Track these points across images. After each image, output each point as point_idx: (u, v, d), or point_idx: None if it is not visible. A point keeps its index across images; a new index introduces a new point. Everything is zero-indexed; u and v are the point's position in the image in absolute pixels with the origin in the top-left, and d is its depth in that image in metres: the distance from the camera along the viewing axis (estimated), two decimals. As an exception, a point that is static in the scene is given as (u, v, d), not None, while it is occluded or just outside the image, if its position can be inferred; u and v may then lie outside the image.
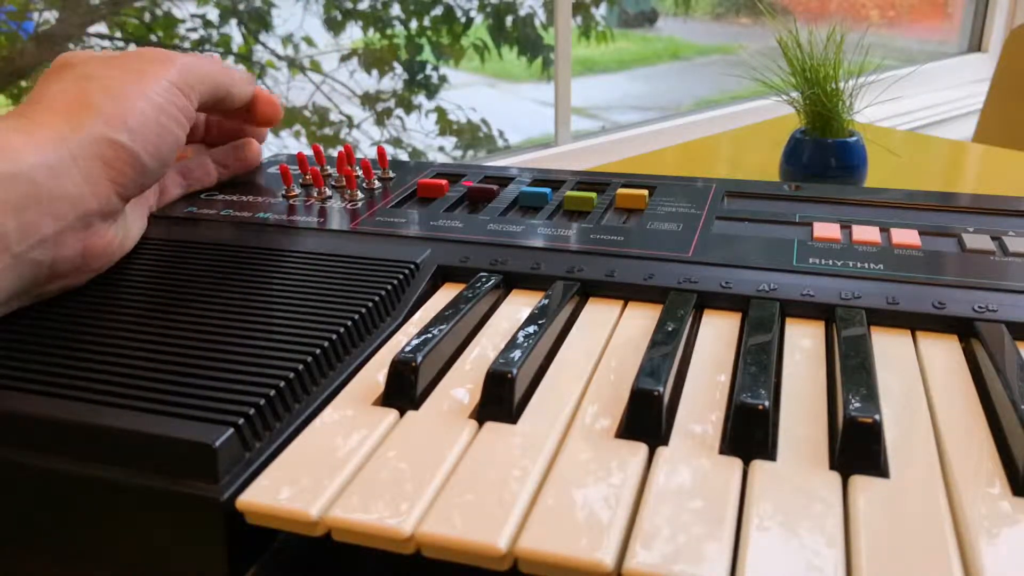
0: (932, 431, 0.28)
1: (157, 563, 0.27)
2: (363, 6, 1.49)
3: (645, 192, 0.46)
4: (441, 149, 1.59)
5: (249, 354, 0.31)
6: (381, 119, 1.53)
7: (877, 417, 0.26)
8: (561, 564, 0.22)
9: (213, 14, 1.35)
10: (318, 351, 0.32)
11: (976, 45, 2.40)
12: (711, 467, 0.26)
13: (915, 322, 0.34)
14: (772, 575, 0.22)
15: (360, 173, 0.51)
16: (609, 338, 0.35)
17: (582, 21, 1.69)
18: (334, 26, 1.47)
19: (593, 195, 0.46)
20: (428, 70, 1.57)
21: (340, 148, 0.51)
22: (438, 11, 1.54)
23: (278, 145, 1.41)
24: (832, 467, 0.26)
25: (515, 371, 0.29)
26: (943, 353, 0.33)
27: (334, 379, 0.31)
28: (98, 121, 0.36)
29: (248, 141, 0.53)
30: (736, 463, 0.26)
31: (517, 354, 0.31)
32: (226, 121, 0.53)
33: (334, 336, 0.33)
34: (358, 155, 0.55)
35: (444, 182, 0.49)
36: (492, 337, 0.35)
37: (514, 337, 0.32)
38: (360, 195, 0.48)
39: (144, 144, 0.37)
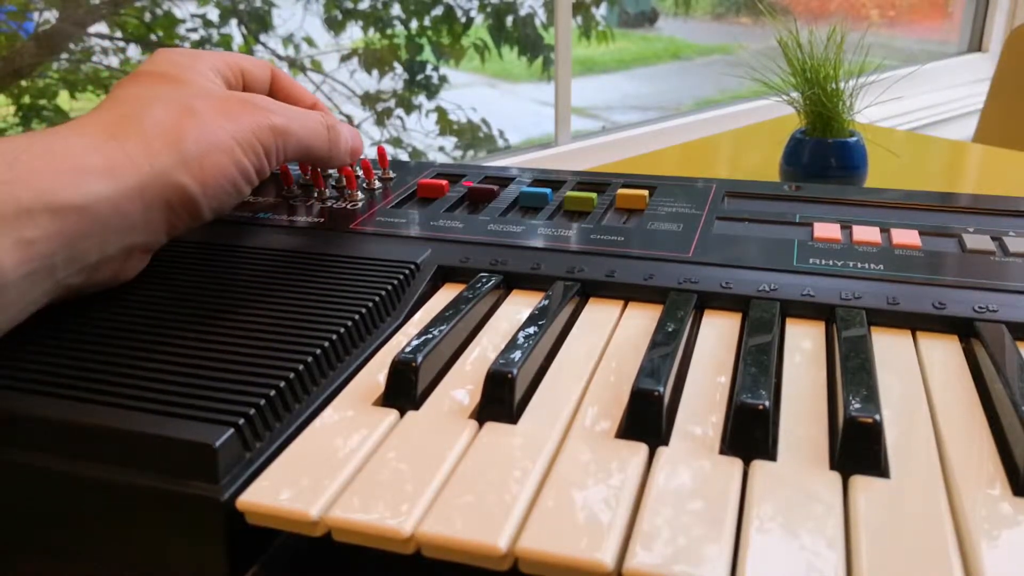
0: (932, 431, 0.28)
1: (157, 563, 0.27)
2: (363, 6, 1.49)
3: (645, 192, 0.46)
4: (441, 149, 1.59)
5: (249, 354, 0.31)
6: (381, 119, 1.53)
7: (877, 417, 0.26)
8: (561, 564, 0.22)
9: (213, 14, 1.35)
10: (318, 351, 0.32)
11: (976, 45, 2.40)
12: (711, 468, 0.26)
13: (915, 322, 0.34)
14: (772, 575, 0.22)
15: (360, 173, 0.51)
16: (609, 338, 0.35)
17: (582, 21, 1.69)
18: (334, 26, 1.47)
19: (593, 195, 0.46)
20: (428, 70, 1.57)
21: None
22: (438, 11, 1.54)
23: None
24: (832, 467, 0.26)
25: (515, 371, 0.29)
26: (943, 353, 0.33)
27: (334, 379, 0.31)
28: (177, 163, 0.35)
29: None
30: (736, 463, 0.26)
31: (517, 354, 0.31)
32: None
33: (334, 336, 0.33)
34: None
35: (444, 182, 0.49)
36: (492, 337, 0.35)
37: (514, 337, 0.32)
38: (360, 195, 0.48)
39: (210, 198, 0.36)
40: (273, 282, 0.37)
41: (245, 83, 0.45)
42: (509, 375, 0.29)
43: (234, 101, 0.38)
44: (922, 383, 0.31)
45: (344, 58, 1.49)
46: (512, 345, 0.31)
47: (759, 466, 0.26)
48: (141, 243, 0.35)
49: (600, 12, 1.73)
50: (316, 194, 0.48)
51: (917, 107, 2.12)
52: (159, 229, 0.36)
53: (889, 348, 0.33)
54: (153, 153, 0.34)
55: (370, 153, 0.52)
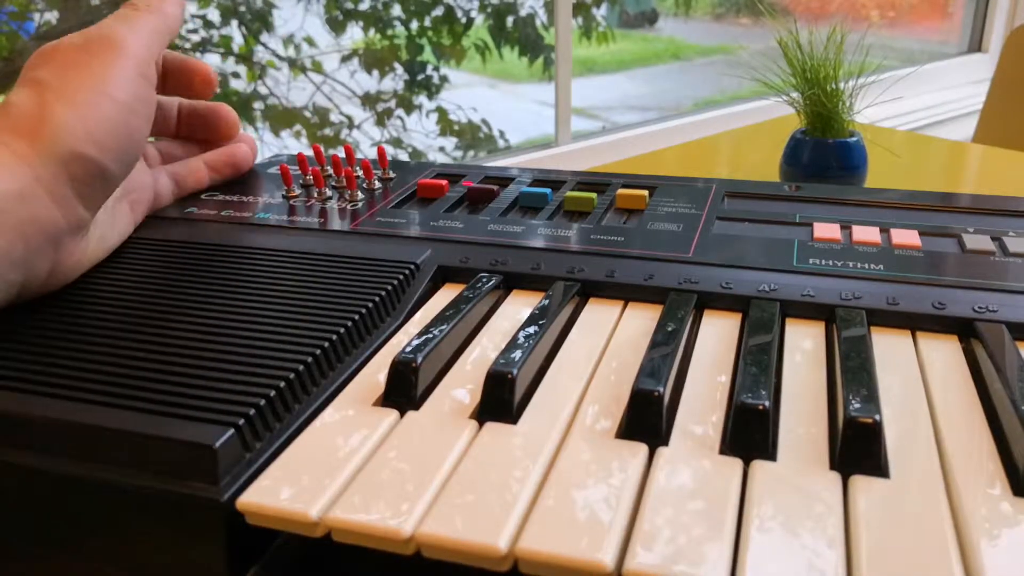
0: (932, 431, 0.28)
1: (157, 564, 0.27)
2: (364, 6, 1.49)
3: (645, 192, 0.46)
4: (441, 149, 1.59)
5: (249, 354, 0.31)
6: (382, 119, 1.53)
7: (877, 417, 0.26)
8: (561, 565, 0.22)
9: (214, 15, 1.35)
10: (318, 351, 0.32)
11: (976, 45, 2.40)
12: (711, 468, 0.26)
13: (915, 322, 0.34)
14: (772, 575, 0.22)
15: (360, 173, 0.51)
16: (609, 338, 0.35)
17: (583, 21, 1.69)
18: (335, 26, 1.47)
19: (593, 195, 0.46)
20: (429, 70, 1.57)
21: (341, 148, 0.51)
22: (439, 11, 1.54)
23: (278, 145, 1.41)
24: (832, 467, 0.26)
25: (515, 371, 0.29)
26: (943, 353, 0.33)
27: (334, 379, 0.31)
28: (63, 137, 0.35)
29: (238, 145, 0.52)
30: (736, 463, 0.26)
31: (517, 354, 0.31)
32: (195, 111, 0.50)
33: (334, 336, 0.33)
34: (358, 155, 0.55)
35: (444, 182, 0.49)
36: (492, 337, 0.35)
37: (514, 337, 0.32)
38: (360, 195, 0.48)
39: (112, 153, 0.36)
40: (273, 282, 0.37)
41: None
42: (509, 375, 0.29)
43: (81, 48, 0.38)
44: (922, 383, 0.31)
45: (345, 58, 1.49)
46: (512, 345, 0.31)
47: (759, 466, 0.26)
48: (65, 228, 0.35)
49: (600, 12, 1.73)
50: (316, 194, 0.48)
51: (917, 107, 2.12)
52: (75, 208, 0.35)
53: (889, 348, 0.33)
54: (33, 140, 0.34)
55: (370, 153, 0.52)
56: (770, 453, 0.27)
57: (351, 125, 1.51)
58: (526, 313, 0.36)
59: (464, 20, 1.57)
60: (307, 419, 0.29)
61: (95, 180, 0.36)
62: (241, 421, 0.27)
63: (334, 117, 1.49)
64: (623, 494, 0.25)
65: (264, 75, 1.41)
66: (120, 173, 0.37)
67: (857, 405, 0.27)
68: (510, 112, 1.69)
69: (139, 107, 0.38)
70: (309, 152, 0.53)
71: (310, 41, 1.44)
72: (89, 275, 0.38)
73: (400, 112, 1.54)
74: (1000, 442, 0.27)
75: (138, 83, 0.38)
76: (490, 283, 0.38)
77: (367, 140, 1.52)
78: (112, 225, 0.41)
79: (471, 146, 1.62)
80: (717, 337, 0.34)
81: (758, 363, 0.30)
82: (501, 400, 0.29)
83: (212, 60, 1.37)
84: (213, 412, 0.28)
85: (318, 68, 1.47)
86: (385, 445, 0.27)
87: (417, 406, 0.30)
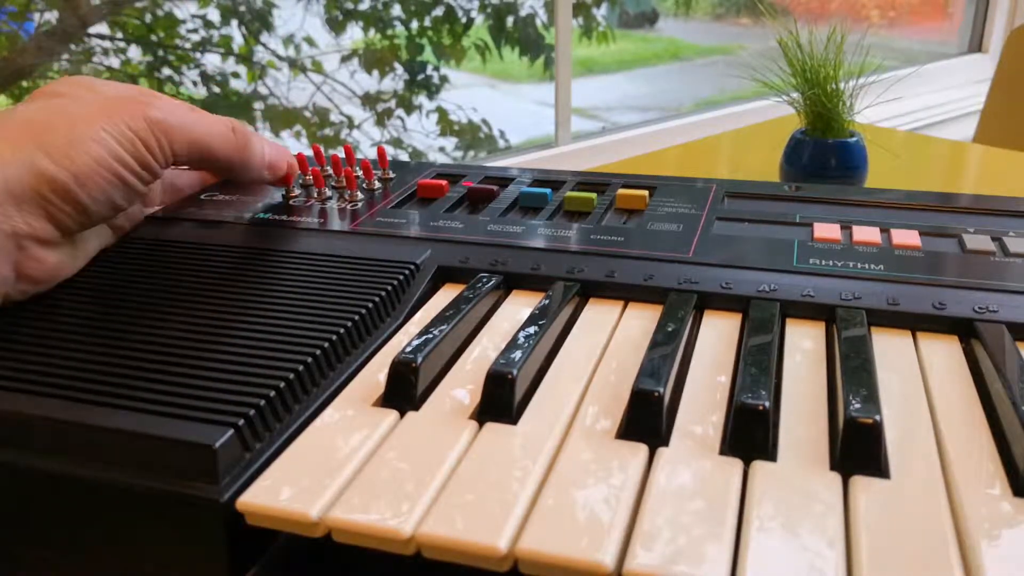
0: (933, 432, 0.28)
1: (157, 564, 0.27)
2: (364, 6, 1.49)
3: (645, 193, 0.46)
4: (442, 149, 1.59)
5: (249, 355, 0.31)
6: (382, 119, 1.53)
7: (878, 418, 0.26)
8: (561, 565, 0.22)
9: (214, 15, 1.35)
10: (318, 352, 0.32)
11: (976, 45, 2.40)
12: (711, 468, 0.26)
13: (915, 323, 0.34)
14: (772, 576, 0.22)
15: (360, 174, 0.51)
16: (609, 339, 0.35)
17: (583, 21, 1.69)
18: (335, 26, 1.47)
19: (593, 195, 0.46)
20: (429, 70, 1.57)
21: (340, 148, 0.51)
22: (439, 11, 1.55)
23: (278, 146, 1.40)
24: (833, 468, 0.26)
25: (515, 372, 0.29)
26: (943, 354, 0.33)
27: (334, 380, 0.31)
28: (40, 153, 0.34)
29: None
30: (736, 464, 0.26)
31: (517, 355, 0.31)
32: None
33: (334, 337, 0.33)
34: (358, 156, 0.55)
35: (444, 182, 0.49)
36: (492, 338, 0.35)
37: (514, 338, 0.32)
38: (360, 195, 0.48)
39: (88, 188, 0.35)
40: (273, 282, 0.37)
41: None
42: (509, 375, 0.29)
43: (115, 97, 0.38)
44: (922, 383, 0.31)
45: (344, 58, 1.49)
46: (512, 345, 0.31)
47: (759, 466, 0.26)
48: (27, 233, 0.35)
49: (600, 12, 1.73)
50: (316, 194, 0.48)
51: (917, 107, 2.12)
52: (42, 223, 0.35)
53: (889, 348, 0.33)
54: (16, 147, 0.34)
55: (370, 153, 0.52)
56: (770, 453, 0.27)
57: (351, 125, 1.51)
58: (526, 313, 0.36)
59: (464, 20, 1.57)
60: (307, 419, 0.29)
61: (68, 207, 0.35)
62: (241, 421, 0.27)
63: (334, 117, 1.49)
64: (623, 494, 0.25)
65: (264, 75, 1.41)
66: (100, 212, 0.37)
67: (857, 405, 0.27)
68: (510, 112, 1.69)
69: (130, 162, 0.37)
70: (309, 152, 0.53)
71: (310, 41, 1.44)
72: (89, 275, 0.38)
73: (400, 112, 1.55)
74: (1000, 442, 0.27)
75: (135, 143, 0.37)
76: (490, 283, 0.38)
77: (367, 140, 1.52)
78: (97, 234, 0.41)
79: (471, 146, 1.62)
80: (717, 337, 0.34)
81: (758, 363, 0.30)
82: (501, 400, 0.29)
83: (212, 60, 1.38)
84: (213, 412, 0.28)
85: (318, 68, 1.47)
86: (385, 445, 0.27)
87: (417, 406, 0.30)
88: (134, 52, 1.31)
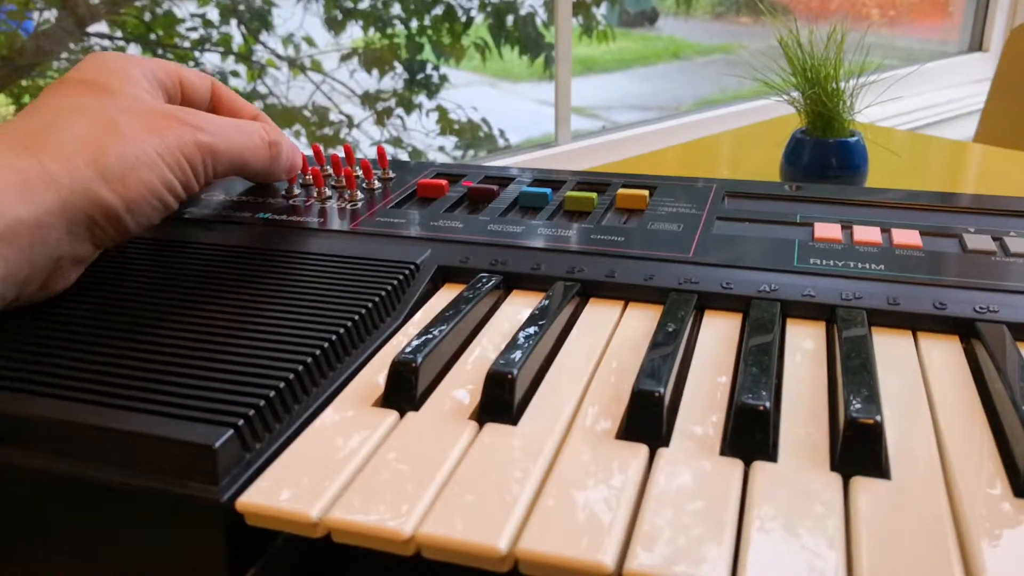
0: (933, 432, 0.28)
1: (157, 564, 0.27)
2: (363, 5, 1.49)
3: (645, 192, 0.46)
4: (441, 149, 1.59)
5: (249, 355, 0.31)
6: (381, 119, 1.53)
7: (878, 418, 0.26)
8: (562, 565, 0.22)
9: (213, 13, 1.35)
10: (318, 352, 0.32)
11: (977, 45, 2.40)
12: (712, 468, 0.26)
13: (916, 323, 0.34)
14: (773, 577, 0.22)
15: (360, 173, 0.51)
16: (609, 339, 0.35)
17: (583, 20, 1.69)
18: (334, 25, 1.47)
19: (593, 195, 0.46)
20: (428, 69, 1.56)
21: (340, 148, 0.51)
22: (439, 10, 1.54)
23: (278, 145, 1.40)
24: (833, 468, 0.26)
25: (515, 372, 0.29)
26: (944, 354, 0.33)
27: (334, 380, 0.31)
28: (98, 179, 0.34)
29: None
30: (737, 464, 0.26)
31: (517, 355, 0.30)
32: None
33: (334, 337, 0.33)
34: (358, 155, 0.55)
35: (444, 182, 0.49)
36: (492, 338, 0.35)
37: (514, 338, 0.32)
38: (360, 195, 0.48)
39: (135, 214, 0.36)
40: (273, 282, 0.37)
41: (184, 94, 0.44)
42: (509, 375, 0.29)
43: (160, 115, 0.38)
44: (923, 383, 0.31)
45: (344, 58, 1.49)
46: (512, 345, 0.31)
47: (760, 467, 0.26)
48: (69, 256, 0.35)
49: (600, 11, 1.73)
50: (316, 194, 0.48)
51: (917, 107, 2.12)
52: (85, 246, 0.35)
53: (890, 348, 0.33)
54: (72, 169, 0.33)
55: (370, 153, 0.52)
56: (770, 454, 0.27)
57: (351, 124, 1.51)
58: (526, 313, 0.36)
59: (464, 19, 1.57)
60: (307, 419, 0.29)
61: (112, 231, 0.36)
62: (241, 421, 0.27)
63: (334, 116, 1.49)
64: (623, 495, 0.25)
65: (263, 74, 1.41)
66: (136, 231, 0.37)
67: (858, 406, 0.27)
68: (510, 111, 1.69)
69: (176, 187, 0.37)
70: (309, 152, 0.53)
71: (309, 40, 1.44)
72: (89, 275, 0.38)
73: (400, 111, 1.54)
74: (1001, 442, 0.27)
75: (185, 168, 0.37)
76: (490, 283, 0.38)
77: (367, 140, 1.52)
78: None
79: (471, 145, 1.62)
80: (717, 337, 0.34)
81: (758, 363, 0.30)
82: (501, 400, 0.29)
83: (211, 59, 1.38)
84: (213, 412, 0.28)
85: (317, 67, 1.47)
86: (385, 446, 0.27)
87: (417, 407, 0.30)
88: (133, 51, 1.31)
